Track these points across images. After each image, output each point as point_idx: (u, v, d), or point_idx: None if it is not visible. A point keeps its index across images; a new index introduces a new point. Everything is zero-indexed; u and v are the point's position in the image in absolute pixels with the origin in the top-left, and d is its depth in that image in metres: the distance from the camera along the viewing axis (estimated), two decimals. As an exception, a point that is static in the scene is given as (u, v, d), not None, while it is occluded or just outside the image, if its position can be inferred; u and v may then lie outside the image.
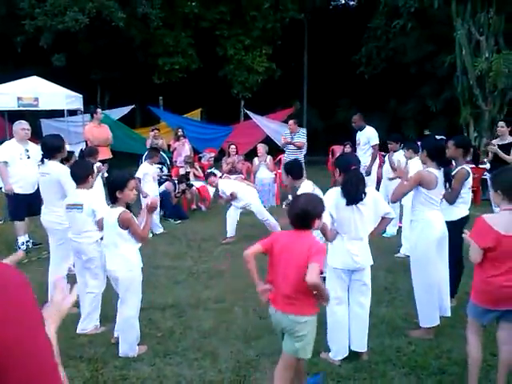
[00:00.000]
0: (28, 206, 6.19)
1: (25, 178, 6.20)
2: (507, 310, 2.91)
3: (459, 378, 3.36)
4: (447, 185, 4.12)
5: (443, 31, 13.53)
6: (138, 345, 3.74)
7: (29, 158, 6.22)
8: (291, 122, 9.97)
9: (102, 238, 4.11)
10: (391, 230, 7.00)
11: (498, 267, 2.85)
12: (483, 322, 3.12)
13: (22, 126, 6.35)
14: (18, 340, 0.77)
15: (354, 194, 3.43)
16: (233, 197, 6.91)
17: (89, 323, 4.15)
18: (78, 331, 4.10)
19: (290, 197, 9.96)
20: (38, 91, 10.49)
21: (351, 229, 3.49)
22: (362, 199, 3.45)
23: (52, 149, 4.66)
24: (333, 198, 3.50)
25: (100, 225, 4.01)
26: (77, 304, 4.41)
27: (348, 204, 3.44)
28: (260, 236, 7.26)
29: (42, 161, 4.78)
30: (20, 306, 0.80)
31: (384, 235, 6.73)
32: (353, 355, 3.64)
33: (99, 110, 9.77)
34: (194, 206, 9.31)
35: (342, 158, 4.01)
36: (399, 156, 6.52)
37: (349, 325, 3.64)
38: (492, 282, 2.87)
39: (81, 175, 4.17)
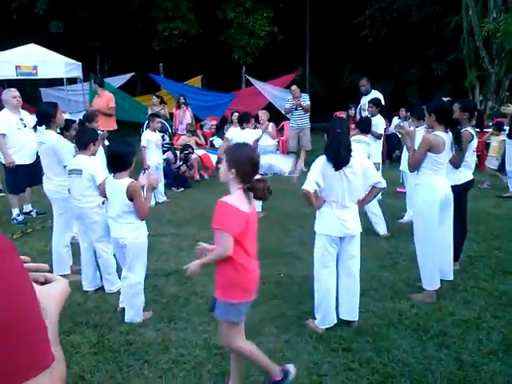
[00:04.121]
0: (28, 176, 6.15)
1: (25, 148, 6.11)
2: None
3: (461, 340, 3.40)
4: (456, 147, 4.03)
5: (450, -10, 13.14)
6: (144, 310, 3.79)
7: (25, 126, 6.12)
8: (295, 86, 9.88)
9: (103, 203, 4.15)
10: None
11: (248, 251, 2.56)
12: (242, 319, 2.68)
13: (12, 94, 6.15)
14: None
15: (335, 157, 3.36)
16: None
17: (112, 284, 4.26)
18: (106, 291, 4.27)
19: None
20: (37, 59, 10.32)
21: (339, 197, 3.42)
22: (346, 163, 3.36)
23: (44, 116, 4.60)
24: (320, 165, 3.44)
25: (101, 190, 4.04)
26: (78, 271, 4.47)
27: (335, 169, 3.36)
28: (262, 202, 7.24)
29: (35, 128, 4.74)
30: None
31: None
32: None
33: (92, 81, 9.53)
34: (197, 177, 9.25)
35: (330, 123, 3.90)
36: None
37: (338, 294, 3.63)
38: (250, 268, 2.56)
39: (83, 141, 4.20)
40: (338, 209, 3.45)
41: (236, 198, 2.54)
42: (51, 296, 0.93)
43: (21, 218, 6.44)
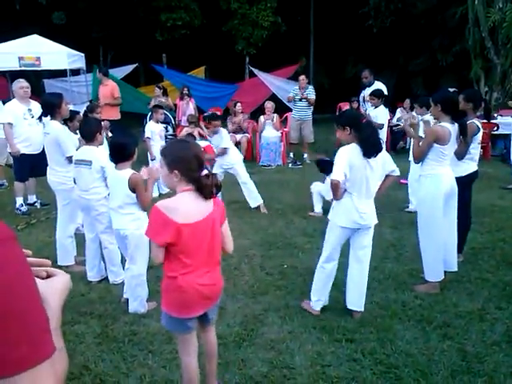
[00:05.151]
0: (32, 166, 6.18)
1: (31, 138, 6.16)
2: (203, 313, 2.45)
3: (464, 331, 3.40)
4: (461, 138, 4.01)
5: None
6: (147, 301, 3.81)
7: (33, 117, 6.16)
8: (303, 77, 9.77)
9: (109, 194, 4.14)
10: None
11: (186, 263, 2.28)
12: (183, 332, 2.46)
13: (20, 85, 6.26)
14: None
15: (374, 145, 3.36)
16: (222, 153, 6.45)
17: (117, 275, 4.27)
18: (110, 282, 4.27)
19: (291, 154, 9.90)
20: (40, 50, 10.30)
21: (362, 187, 3.43)
22: (381, 149, 3.41)
23: (49, 106, 4.61)
24: (347, 155, 3.39)
25: None
26: (82, 262, 4.48)
27: (370, 156, 3.35)
28: (265, 194, 7.24)
29: (40, 119, 4.75)
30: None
31: None
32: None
33: (97, 70, 9.58)
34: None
35: (349, 115, 3.85)
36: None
37: (345, 283, 3.67)
38: (186, 283, 2.29)
39: (89, 132, 4.17)
40: (358, 200, 3.45)
41: (173, 203, 2.27)
42: (54, 290, 0.93)
43: (24, 208, 6.47)
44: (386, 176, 3.58)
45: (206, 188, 2.27)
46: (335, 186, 3.43)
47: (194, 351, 2.51)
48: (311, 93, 9.67)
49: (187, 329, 2.42)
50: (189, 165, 2.26)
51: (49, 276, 0.97)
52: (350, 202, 3.46)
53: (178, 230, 2.20)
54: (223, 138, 6.46)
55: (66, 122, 4.96)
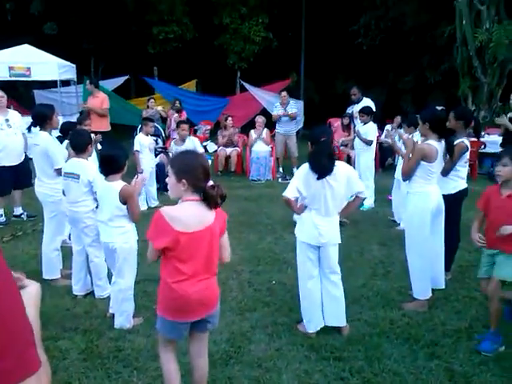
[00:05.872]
0: (15, 178, 6.08)
1: (8, 149, 6.04)
2: (198, 320, 2.50)
3: (452, 350, 3.39)
4: (447, 156, 4.05)
5: (443, 0, 13.24)
6: (134, 317, 3.75)
7: (10, 127, 6.07)
8: (284, 93, 9.89)
9: (97, 207, 4.08)
10: (368, 202, 6.97)
11: (181, 270, 2.36)
12: (175, 338, 2.59)
13: None
14: None
15: (320, 167, 3.34)
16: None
17: (103, 290, 4.21)
18: (96, 297, 4.21)
19: (281, 169, 9.91)
20: (30, 60, 10.27)
21: (321, 205, 3.42)
22: (329, 173, 3.34)
23: (40, 117, 4.56)
24: (303, 173, 3.43)
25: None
26: (68, 276, 4.42)
27: (318, 178, 3.34)
28: (255, 209, 7.22)
29: (29, 129, 4.71)
30: None
31: (361, 209, 6.70)
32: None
33: (88, 81, 9.60)
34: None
35: (312, 130, 3.87)
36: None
37: (322, 301, 3.63)
38: (181, 289, 2.38)
39: (80, 144, 4.13)
40: (318, 217, 3.44)
41: (175, 211, 2.35)
42: (28, 301, 0.91)
43: (2, 218, 6.38)
44: (356, 196, 3.58)
45: (212, 198, 2.34)
46: (286, 203, 3.49)
47: (173, 357, 2.62)
48: (292, 107, 9.77)
49: (179, 335, 2.51)
50: (196, 174, 2.34)
51: (20, 287, 0.95)
52: (310, 219, 3.48)
53: (175, 237, 2.29)
54: (196, 147, 6.64)
55: (64, 132, 4.92)
